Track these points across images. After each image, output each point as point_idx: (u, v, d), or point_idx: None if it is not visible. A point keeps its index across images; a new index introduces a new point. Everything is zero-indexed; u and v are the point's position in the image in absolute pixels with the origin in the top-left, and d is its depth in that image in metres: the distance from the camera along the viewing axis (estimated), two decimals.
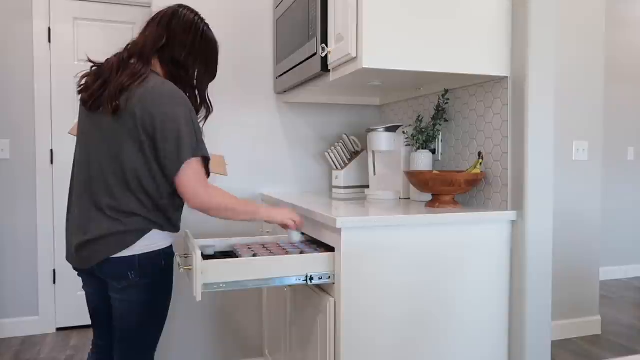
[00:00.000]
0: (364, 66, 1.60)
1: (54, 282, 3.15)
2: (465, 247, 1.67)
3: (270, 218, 1.63)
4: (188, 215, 2.36)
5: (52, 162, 3.12)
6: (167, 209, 1.47)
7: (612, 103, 4.18)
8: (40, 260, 3.11)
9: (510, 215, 1.71)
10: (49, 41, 3.09)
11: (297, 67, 2.11)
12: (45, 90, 3.08)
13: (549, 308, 1.74)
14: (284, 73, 2.30)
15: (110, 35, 3.18)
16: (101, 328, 1.62)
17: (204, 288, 1.47)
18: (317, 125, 2.61)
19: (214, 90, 2.42)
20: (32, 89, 3.06)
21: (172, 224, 1.51)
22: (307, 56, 1.99)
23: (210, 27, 1.63)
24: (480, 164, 1.82)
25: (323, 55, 1.84)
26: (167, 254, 1.52)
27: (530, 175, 1.68)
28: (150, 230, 1.44)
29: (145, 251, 1.44)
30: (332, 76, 1.85)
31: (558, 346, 2.90)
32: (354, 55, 1.64)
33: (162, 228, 1.47)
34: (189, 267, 1.57)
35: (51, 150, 3.12)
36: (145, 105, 1.37)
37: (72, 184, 1.54)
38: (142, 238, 1.43)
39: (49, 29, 3.08)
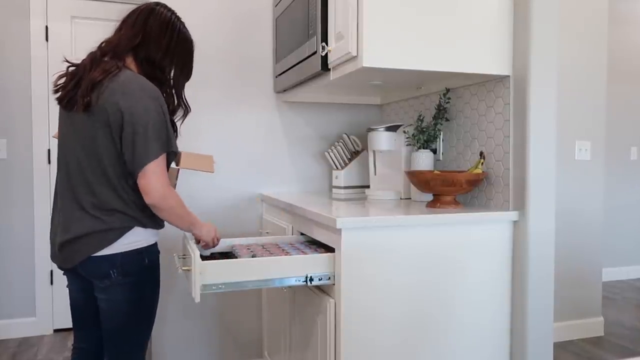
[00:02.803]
0: (364, 65, 1.59)
1: (52, 283, 3.13)
2: (467, 248, 1.65)
3: (200, 234, 1.62)
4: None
5: (49, 162, 3.10)
6: (147, 205, 1.44)
7: (614, 102, 4.17)
8: (37, 260, 3.09)
9: (512, 215, 1.70)
10: (47, 40, 3.07)
11: (297, 65, 2.09)
12: (43, 89, 3.06)
13: (550, 309, 1.73)
14: (284, 72, 2.29)
15: (109, 34, 3.15)
16: (83, 330, 1.61)
17: (203, 289, 1.46)
18: (317, 125, 2.60)
19: (214, 90, 2.42)
20: (29, 88, 3.04)
21: (154, 221, 1.49)
22: (307, 55, 1.97)
23: (185, 25, 1.61)
24: (482, 163, 1.81)
25: (323, 54, 1.82)
26: (150, 252, 1.50)
27: (532, 175, 1.67)
28: (132, 227, 1.43)
29: (128, 249, 1.43)
30: (332, 75, 1.83)
31: (560, 348, 2.88)
32: (354, 54, 1.62)
33: (144, 225, 1.46)
34: (188, 268, 1.55)
35: (48, 150, 3.10)
36: (115, 99, 1.36)
37: (56, 183, 1.53)
38: (124, 236, 1.42)
39: (47, 27, 3.06)
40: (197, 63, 2.35)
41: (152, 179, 1.38)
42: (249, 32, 2.46)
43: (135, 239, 1.44)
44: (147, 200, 1.40)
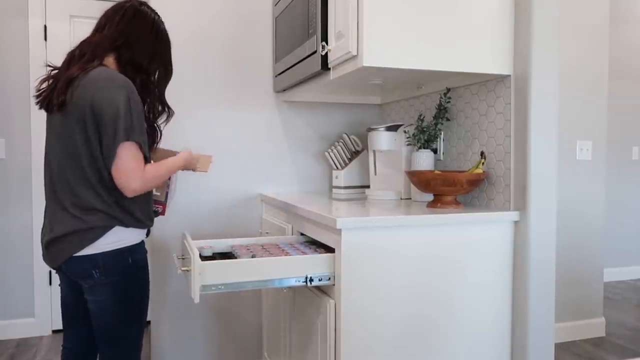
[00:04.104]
0: (364, 64, 1.58)
1: (50, 284, 3.12)
2: (467, 248, 1.64)
3: (187, 166, 1.65)
4: (185, 216, 2.34)
5: None
6: (128, 204, 1.43)
7: (616, 102, 4.16)
8: (36, 261, 3.08)
9: (513, 215, 1.69)
10: (45, 39, 3.06)
11: (297, 65, 2.08)
12: None
13: (552, 310, 1.72)
14: (284, 71, 2.27)
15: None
16: (70, 329, 1.61)
17: (202, 289, 1.45)
18: (317, 125, 2.58)
19: (213, 89, 2.41)
20: (27, 88, 3.03)
21: (137, 220, 1.46)
22: (306, 54, 1.96)
23: (164, 23, 1.60)
24: (483, 163, 1.80)
25: (323, 53, 1.81)
26: (134, 251, 1.48)
27: (534, 175, 1.66)
28: (112, 227, 1.41)
29: (109, 249, 1.41)
30: (332, 74, 1.82)
31: (561, 349, 2.87)
32: (355, 53, 1.61)
33: (125, 225, 1.43)
34: (187, 269, 1.54)
35: None
36: (86, 94, 1.35)
37: (44, 185, 1.54)
38: (105, 235, 1.40)
39: (45, 27, 3.05)
40: (196, 62, 2.37)
41: (122, 171, 1.35)
42: (249, 31, 2.45)
43: (117, 238, 1.42)
44: (125, 194, 1.38)
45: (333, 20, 1.76)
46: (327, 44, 1.80)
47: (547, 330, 1.70)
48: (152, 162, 1.72)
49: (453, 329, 1.64)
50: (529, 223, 1.66)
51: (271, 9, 2.47)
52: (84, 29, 3.07)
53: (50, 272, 3.11)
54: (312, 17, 1.90)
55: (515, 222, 1.70)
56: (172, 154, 1.77)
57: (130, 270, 1.47)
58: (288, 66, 2.19)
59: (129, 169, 1.36)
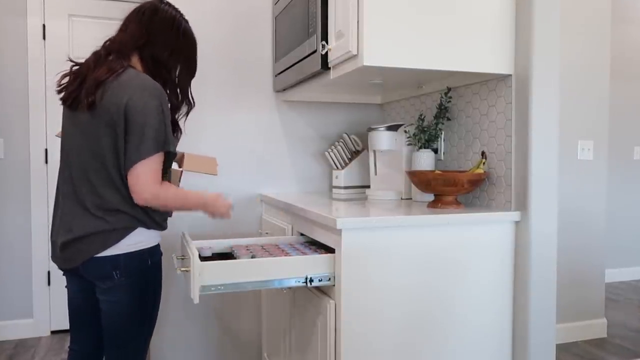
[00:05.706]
0: (364, 64, 1.57)
1: (49, 284, 3.11)
2: (468, 249, 1.64)
3: (213, 214, 1.59)
4: (185, 216, 2.33)
5: (46, 162, 3.09)
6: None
7: (617, 101, 4.15)
8: (34, 261, 3.07)
9: (514, 215, 1.68)
10: (44, 38, 3.05)
11: (297, 64, 2.07)
12: (40, 88, 3.05)
13: (553, 310, 1.71)
14: (283, 71, 2.27)
15: (106, 33, 3.13)
16: (79, 331, 1.60)
17: (202, 290, 1.44)
18: (317, 124, 2.58)
19: (212, 89, 2.40)
20: (26, 87, 3.03)
21: (156, 222, 1.48)
22: (306, 54, 1.95)
23: (188, 22, 1.61)
24: (484, 163, 1.79)
25: (323, 52, 1.80)
26: (153, 253, 1.49)
27: (535, 175, 1.65)
28: (135, 228, 1.42)
29: (131, 250, 1.42)
30: (333, 74, 1.81)
31: (563, 349, 2.86)
32: (355, 52, 1.61)
33: (147, 226, 1.45)
34: (186, 269, 1.53)
35: (45, 150, 3.08)
36: (117, 98, 1.36)
37: (58, 183, 1.52)
38: (127, 236, 1.41)
39: (44, 25, 3.05)
40: None
41: (140, 178, 1.36)
42: (248, 30, 2.44)
43: (139, 239, 1.43)
44: (136, 200, 1.38)
45: (333, 20, 1.76)
46: (327, 43, 1.80)
47: (548, 331, 1.70)
48: (181, 169, 1.72)
49: (454, 331, 1.63)
50: (530, 223, 1.65)
51: (271, 7, 2.46)
52: (83, 28, 3.12)
53: (49, 272, 3.10)
54: (312, 16, 1.89)
55: (516, 223, 1.69)
56: (210, 160, 1.77)
57: (149, 272, 1.48)
58: (288, 66, 2.18)
59: (146, 182, 1.37)
